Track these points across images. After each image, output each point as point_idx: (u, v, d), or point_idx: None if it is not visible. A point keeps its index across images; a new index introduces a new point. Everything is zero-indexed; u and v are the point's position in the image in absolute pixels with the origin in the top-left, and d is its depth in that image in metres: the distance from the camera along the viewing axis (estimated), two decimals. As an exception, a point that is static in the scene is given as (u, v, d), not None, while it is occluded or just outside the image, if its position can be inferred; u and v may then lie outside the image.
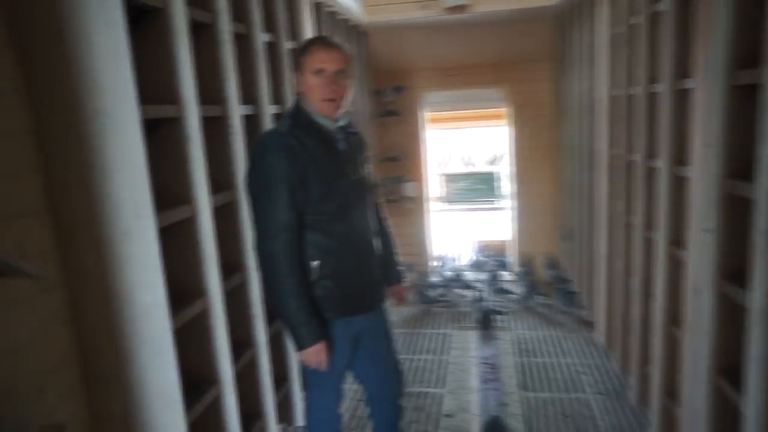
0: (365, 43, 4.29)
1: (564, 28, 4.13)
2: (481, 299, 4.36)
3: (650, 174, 2.30)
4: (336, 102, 1.75)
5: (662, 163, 2.12)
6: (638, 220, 2.42)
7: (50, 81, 1.37)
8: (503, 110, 5.17)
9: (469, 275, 5.08)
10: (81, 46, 1.34)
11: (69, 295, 1.49)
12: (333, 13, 3.43)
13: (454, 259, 5.45)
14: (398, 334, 3.98)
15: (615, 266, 2.90)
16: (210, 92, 1.91)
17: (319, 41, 1.76)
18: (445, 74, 4.92)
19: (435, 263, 5.21)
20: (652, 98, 2.25)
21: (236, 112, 1.97)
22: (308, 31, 2.88)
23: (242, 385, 2.08)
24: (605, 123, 2.93)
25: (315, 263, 1.75)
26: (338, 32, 3.54)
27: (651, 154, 2.28)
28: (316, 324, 1.71)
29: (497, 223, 6.66)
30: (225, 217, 1.99)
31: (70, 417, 1.50)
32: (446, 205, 6.12)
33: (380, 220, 2.10)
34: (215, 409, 1.81)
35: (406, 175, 5.05)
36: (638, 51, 2.37)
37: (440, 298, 4.47)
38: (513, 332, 3.93)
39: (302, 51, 1.74)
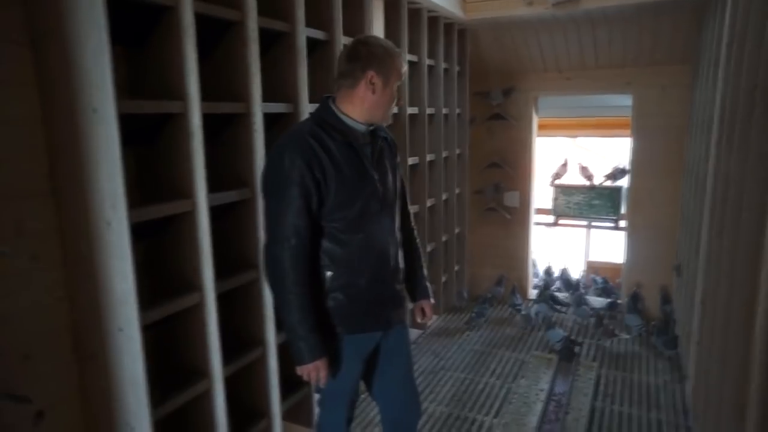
0: (464, 42, 4.07)
1: (702, 23, 3.50)
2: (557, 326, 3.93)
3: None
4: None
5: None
6: (742, 268, 1.92)
7: (53, 76, 1.48)
8: (628, 119, 4.58)
9: (565, 296, 4.63)
10: (75, 46, 1.43)
11: (65, 274, 1.61)
12: (418, 11, 3.30)
13: (555, 278, 5.00)
14: (470, 353, 3.75)
15: (709, 318, 2.38)
16: (233, 89, 1.94)
17: (399, 51, 1.71)
18: (561, 76, 4.49)
19: (532, 280, 4.82)
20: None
21: (259, 109, 1.97)
22: (378, 30, 2.80)
23: (247, 382, 2.10)
24: (714, 138, 2.42)
25: (328, 274, 1.67)
26: (425, 31, 3.40)
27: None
28: (317, 339, 1.61)
29: (611, 245, 5.97)
30: (241, 213, 2.01)
31: (59, 388, 1.63)
32: (556, 219, 5.63)
33: (408, 232, 1.96)
34: (203, 402, 1.83)
35: (509, 183, 4.73)
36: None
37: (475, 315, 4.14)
38: (597, 370, 3.47)
39: (394, 59, 1.65)
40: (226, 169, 1.99)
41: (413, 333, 3.86)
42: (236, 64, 1.92)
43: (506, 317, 4.39)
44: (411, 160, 3.34)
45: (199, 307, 1.78)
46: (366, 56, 1.62)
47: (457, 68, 3.95)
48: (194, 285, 1.77)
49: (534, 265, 5.03)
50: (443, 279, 4.00)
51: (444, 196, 3.90)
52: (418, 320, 2.04)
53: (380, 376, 1.90)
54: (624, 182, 5.21)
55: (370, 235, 1.70)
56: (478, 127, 4.63)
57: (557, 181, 5.60)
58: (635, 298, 4.21)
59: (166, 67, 1.67)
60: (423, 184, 3.53)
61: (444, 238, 3.97)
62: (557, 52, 4.24)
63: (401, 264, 1.84)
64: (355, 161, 1.66)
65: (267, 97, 2.04)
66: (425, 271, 2.01)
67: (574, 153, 6.13)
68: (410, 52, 3.25)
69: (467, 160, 4.34)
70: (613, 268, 5.14)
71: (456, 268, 4.26)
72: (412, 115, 3.32)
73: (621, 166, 5.23)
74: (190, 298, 1.75)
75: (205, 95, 1.75)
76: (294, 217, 1.58)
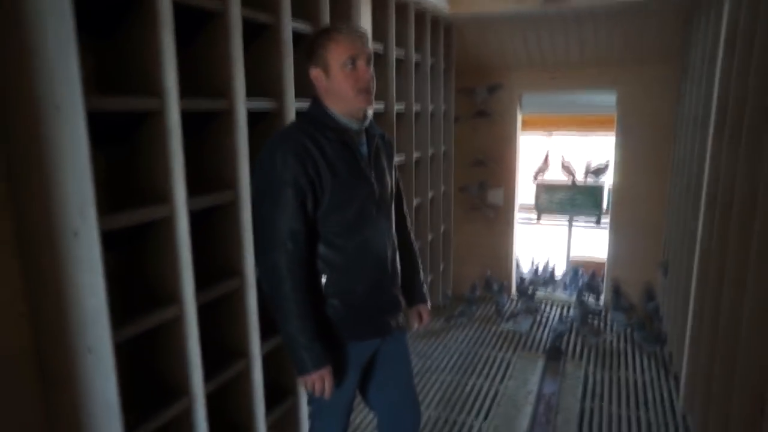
0: (450, 39, 3.98)
1: (690, 22, 3.47)
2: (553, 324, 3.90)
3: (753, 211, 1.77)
4: (371, 93, 1.55)
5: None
6: (733, 271, 1.89)
7: (10, 66, 1.32)
8: (612, 116, 4.55)
9: (546, 294, 4.60)
10: (36, 34, 1.27)
11: (26, 289, 1.45)
12: (406, 5, 3.18)
13: (538, 275, 4.97)
14: (456, 353, 3.68)
15: (704, 316, 2.34)
16: (214, 85, 1.80)
17: (343, 29, 1.54)
18: (546, 73, 4.43)
19: (516, 278, 4.77)
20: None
21: (242, 106, 1.84)
22: (365, 23, 2.68)
23: (230, 397, 1.97)
24: (709, 141, 2.37)
25: (323, 279, 1.57)
26: (413, 26, 3.29)
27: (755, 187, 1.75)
28: (321, 347, 1.51)
29: (594, 242, 5.98)
30: (223, 217, 1.88)
31: (22, 417, 1.47)
32: (539, 217, 5.61)
33: (404, 234, 1.86)
34: (184, 422, 1.70)
35: (493, 180, 4.66)
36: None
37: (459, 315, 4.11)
38: (584, 369, 3.43)
39: (321, 43, 1.51)
40: (206, 170, 1.85)
41: (398, 335, 3.78)
42: (217, 57, 1.78)
43: (491, 315, 4.33)
44: (398, 158, 3.24)
45: (178, 321, 1.65)
46: (305, 55, 1.57)
47: (443, 65, 3.86)
48: (172, 297, 1.63)
49: (517, 264, 4.99)
50: (429, 278, 3.92)
51: (430, 194, 3.81)
52: (414, 326, 1.95)
53: (378, 383, 1.80)
54: (605, 179, 5.21)
55: (367, 239, 1.60)
56: (462, 124, 4.55)
57: (540, 178, 5.57)
58: (617, 294, 4.18)
59: (140, 60, 1.52)
60: (410, 182, 3.43)
61: (430, 237, 3.88)
62: (543, 50, 4.18)
63: (398, 268, 1.75)
64: (350, 161, 1.55)
65: (250, 93, 1.91)
66: (422, 275, 1.92)
67: (555, 150, 6.11)
68: (398, 46, 3.13)
69: (453, 157, 4.26)
70: (597, 264, 5.13)
71: (441, 267, 4.18)
72: (399, 113, 3.21)
73: (602, 164, 5.23)
74: (168, 312, 1.61)
75: (184, 91, 1.61)
76: (289, 220, 1.47)
